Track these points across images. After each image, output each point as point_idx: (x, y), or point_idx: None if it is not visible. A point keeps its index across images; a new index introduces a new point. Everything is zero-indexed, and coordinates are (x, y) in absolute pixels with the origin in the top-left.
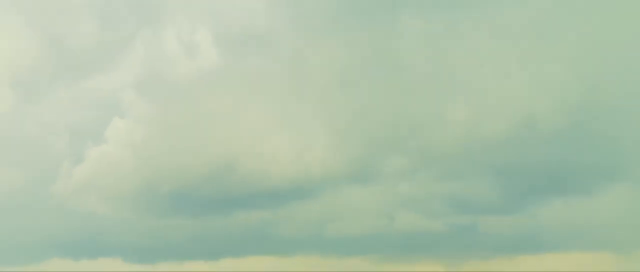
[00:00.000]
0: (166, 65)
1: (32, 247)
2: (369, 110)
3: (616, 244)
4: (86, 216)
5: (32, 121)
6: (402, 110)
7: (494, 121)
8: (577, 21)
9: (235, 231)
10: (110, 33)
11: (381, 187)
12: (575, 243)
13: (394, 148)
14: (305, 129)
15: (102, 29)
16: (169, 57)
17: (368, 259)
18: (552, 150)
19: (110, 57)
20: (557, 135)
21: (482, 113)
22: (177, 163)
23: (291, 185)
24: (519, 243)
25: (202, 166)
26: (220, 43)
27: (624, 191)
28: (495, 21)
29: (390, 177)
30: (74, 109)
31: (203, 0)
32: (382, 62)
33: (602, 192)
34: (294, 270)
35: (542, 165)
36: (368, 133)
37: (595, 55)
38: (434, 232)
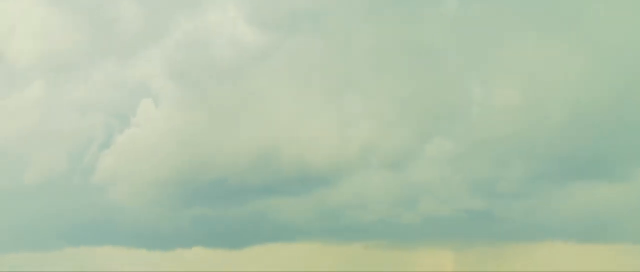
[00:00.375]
0: (206, 47)
1: (49, 233)
2: (413, 95)
3: None
4: (109, 201)
5: (67, 105)
6: (446, 96)
7: (540, 108)
8: (628, 10)
9: (249, 219)
10: (150, 13)
11: (415, 174)
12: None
13: (436, 134)
14: (348, 114)
15: (141, 10)
16: (209, 39)
17: (370, 245)
18: (597, 138)
19: (150, 39)
20: (604, 123)
21: (527, 99)
22: (212, 150)
23: (326, 171)
24: (549, 230)
25: (238, 153)
26: (262, 24)
27: None
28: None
29: (428, 164)
30: (109, 93)
31: None
32: (427, 46)
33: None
34: (294, 256)
35: (585, 152)
36: (412, 119)
37: None
38: (454, 218)
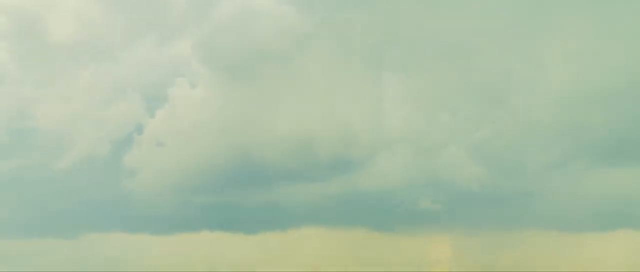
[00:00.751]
0: (248, 29)
1: (69, 220)
2: (455, 80)
3: None
4: (134, 188)
5: (107, 88)
6: (490, 81)
7: (580, 95)
8: None
9: (268, 206)
10: None
11: (447, 160)
12: None
13: (476, 121)
14: (386, 99)
15: None
16: (251, 21)
17: (363, 229)
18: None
19: (191, 21)
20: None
21: (567, 86)
22: (248, 135)
23: (358, 157)
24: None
25: (272, 140)
26: (304, 6)
27: None
28: None
29: (461, 151)
30: (148, 76)
31: None
32: (473, 30)
33: None
34: (291, 242)
35: (625, 135)
36: (453, 105)
37: None
38: (477, 204)
